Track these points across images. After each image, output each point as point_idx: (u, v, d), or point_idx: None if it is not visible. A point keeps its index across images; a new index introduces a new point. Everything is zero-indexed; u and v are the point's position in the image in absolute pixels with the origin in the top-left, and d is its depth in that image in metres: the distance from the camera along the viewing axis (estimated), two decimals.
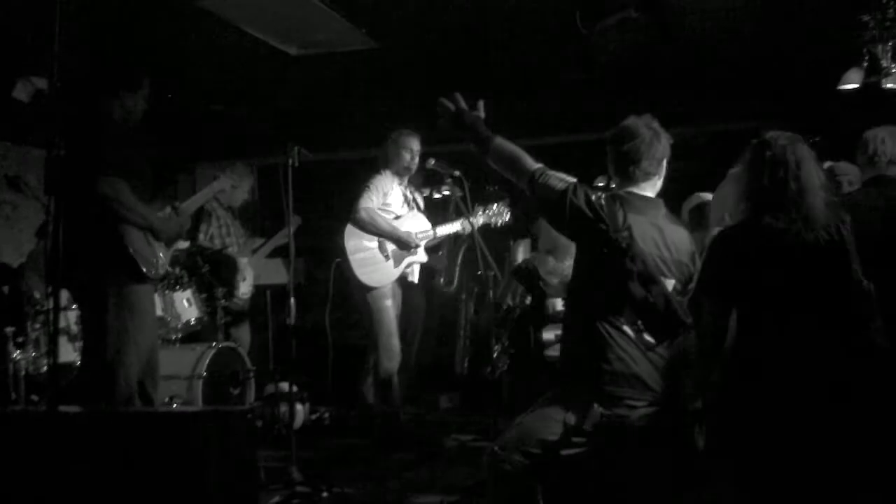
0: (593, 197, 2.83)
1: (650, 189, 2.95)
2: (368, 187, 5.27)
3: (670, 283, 2.87)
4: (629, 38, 5.34)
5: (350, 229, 5.26)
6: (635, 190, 2.93)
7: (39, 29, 3.92)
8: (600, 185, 3.34)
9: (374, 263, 5.25)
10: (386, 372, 5.21)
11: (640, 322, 2.81)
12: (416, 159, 5.35)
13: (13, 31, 5.06)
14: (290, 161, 4.39)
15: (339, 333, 6.81)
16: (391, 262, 5.31)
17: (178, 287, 5.63)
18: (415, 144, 5.37)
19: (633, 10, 5.20)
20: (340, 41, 5.64)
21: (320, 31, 5.44)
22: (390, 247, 5.30)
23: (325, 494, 3.99)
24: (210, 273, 5.78)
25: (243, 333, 6.18)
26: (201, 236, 5.90)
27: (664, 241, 2.88)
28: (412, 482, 4.37)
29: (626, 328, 2.81)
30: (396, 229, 5.29)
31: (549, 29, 5.48)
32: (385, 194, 5.30)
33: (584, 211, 2.80)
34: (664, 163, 2.95)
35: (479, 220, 5.42)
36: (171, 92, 5.95)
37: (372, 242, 5.27)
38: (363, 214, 5.20)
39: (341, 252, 5.25)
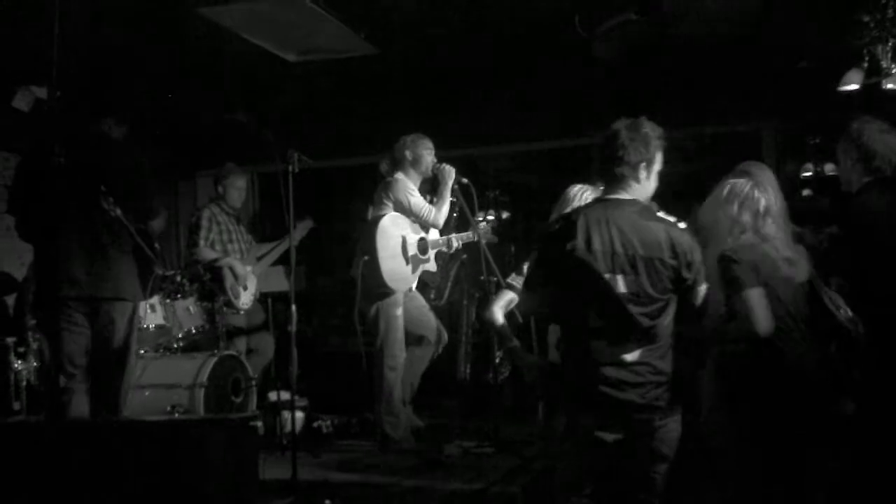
0: (548, 234, 3.05)
1: (627, 193, 2.94)
2: (409, 189, 5.23)
3: (631, 281, 2.85)
4: (629, 41, 5.34)
5: (383, 228, 5.16)
6: (610, 195, 2.94)
7: (39, 38, 3.95)
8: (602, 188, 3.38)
9: (397, 266, 5.20)
10: (389, 383, 5.18)
11: (607, 329, 2.84)
12: (434, 159, 5.33)
13: (13, 39, 5.07)
14: (291, 168, 4.38)
15: (343, 340, 6.80)
16: (409, 266, 5.27)
17: (179, 295, 5.62)
18: (431, 145, 5.35)
19: (633, 14, 5.20)
20: (340, 47, 5.64)
21: (319, 36, 5.44)
22: (410, 251, 5.27)
23: (326, 502, 3.96)
24: (211, 281, 5.76)
25: (263, 341, 6.10)
26: (202, 243, 5.87)
27: (621, 240, 2.86)
28: (414, 489, 4.35)
29: (594, 338, 2.84)
30: None
31: (548, 32, 5.48)
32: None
33: (544, 258, 3.02)
34: (643, 166, 2.93)
35: (473, 235, 5.38)
36: (171, 99, 5.96)
37: (397, 245, 5.22)
38: (435, 214, 5.21)
39: (370, 250, 5.12)
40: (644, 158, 2.92)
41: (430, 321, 5.40)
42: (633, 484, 2.93)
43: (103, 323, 4.09)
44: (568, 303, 2.96)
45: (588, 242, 2.85)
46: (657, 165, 2.97)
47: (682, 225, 3.00)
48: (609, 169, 2.95)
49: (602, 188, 3.05)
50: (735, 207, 3.18)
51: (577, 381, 2.93)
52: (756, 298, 2.99)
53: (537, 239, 3.13)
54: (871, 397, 3.20)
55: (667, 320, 2.88)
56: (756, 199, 3.18)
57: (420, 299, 5.45)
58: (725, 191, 3.24)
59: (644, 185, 2.96)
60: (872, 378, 3.22)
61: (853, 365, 3.23)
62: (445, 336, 5.51)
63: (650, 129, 2.94)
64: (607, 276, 2.82)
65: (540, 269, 3.10)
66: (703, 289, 2.94)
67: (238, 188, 6.12)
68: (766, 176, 3.48)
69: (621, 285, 2.82)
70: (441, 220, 5.29)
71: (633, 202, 2.93)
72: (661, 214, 3.00)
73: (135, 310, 4.20)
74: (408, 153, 5.31)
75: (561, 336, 3.11)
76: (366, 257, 5.14)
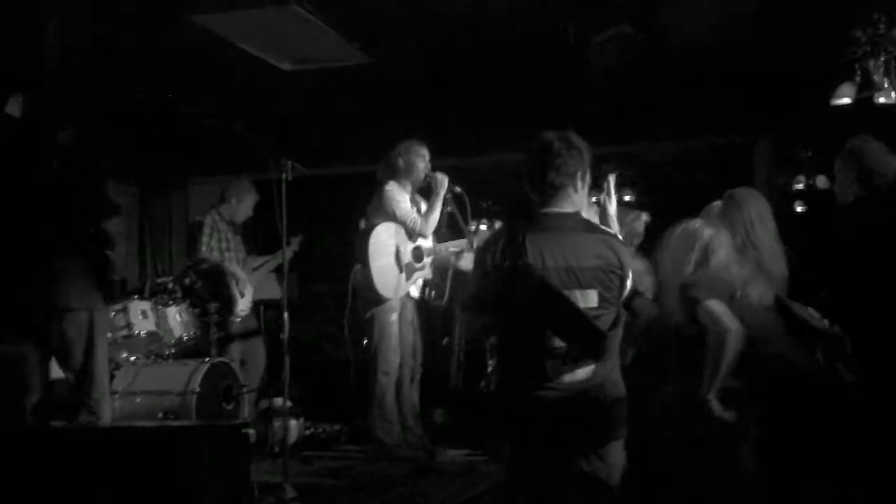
0: (490, 254, 2.89)
1: (568, 204, 2.90)
2: (396, 198, 5.24)
3: (589, 296, 2.82)
4: (624, 52, 5.36)
5: (376, 237, 5.19)
6: (551, 209, 2.89)
7: (35, 44, 3.95)
8: (593, 199, 3.38)
9: (390, 274, 5.20)
10: (382, 388, 5.18)
11: (562, 343, 2.79)
12: (428, 167, 5.34)
13: (6, 46, 5.06)
14: (284, 176, 4.38)
15: (335, 347, 6.80)
16: (403, 275, 5.26)
17: (170, 302, 5.60)
18: (426, 153, 5.35)
19: (628, 25, 5.23)
20: (334, 56, 5.65)
21: (314, 46, 5.45)
22: (404, 259, 5.27)
23: None
24: (203, 288, 5.75)
25: (255, 350, 6.05)
26: (203, 248, 5.85)
27: (573, 254, 2.82)
28: (406, 497, 4.35)
29: (548, 357, 2.79)
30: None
31: (544, 41, 5.50)
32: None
33: (490, 278, 2.88)
34: (579, 175, 2.90)
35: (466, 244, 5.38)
36: (165, 108, 5.95)
37: (390, 252, 5.23)
38: (422, 223, 5.22)
39: (363, 259, 5.15)
40: (580, 168, 2.90)
41: (406, 342, 5.35)
42: None
43: (58, 333, 4.06)
44: (518, 322, 2.85)
45: (541, 259, 2.78)
46: (588, 178, 2.96)
47: (620, 237, 3.07)
48: (546, 179, 2.88)
49: (536, 200, 2.94)
50: (687, 247, 3.28)
51: (521, 401, 2.83)
52: (717, 306, 3.05)
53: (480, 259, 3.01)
54: (866, 407, 3.21)
55: (618, 333, 2.86)
56: (703, 236, 3.29)
57: (410, 319, 5.41)
58: (678, 231, 3.36)
59: (581, 196, 2.94)
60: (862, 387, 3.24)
61: (843, 363, 3.26)
62: (410, 363, 5.42)
63: (580, 141, 2.94)
64: (564, 292, 2.76)
65: (485, 290, 2.96)
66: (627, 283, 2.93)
67: (249, 205, 6.11)
68: (748, 203, 3.54)
69: (578, 300, 2.77)
70: (428, 229, 5.30)
71: (576, 215, 2.91)
72: (602, 227, 3.03)
73: (92, 318, 4.12)
74: (400, 161, 5.32)
75: (501, 357, 3.04)
76: (359, 266, 5.16)
